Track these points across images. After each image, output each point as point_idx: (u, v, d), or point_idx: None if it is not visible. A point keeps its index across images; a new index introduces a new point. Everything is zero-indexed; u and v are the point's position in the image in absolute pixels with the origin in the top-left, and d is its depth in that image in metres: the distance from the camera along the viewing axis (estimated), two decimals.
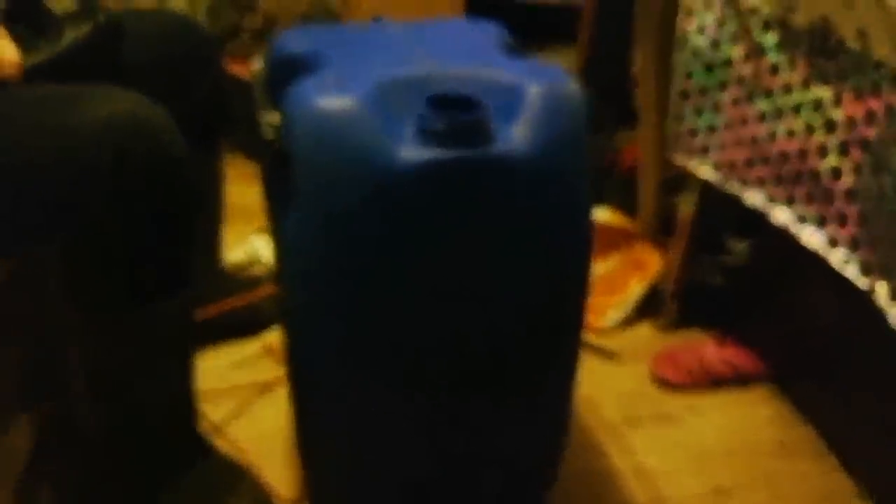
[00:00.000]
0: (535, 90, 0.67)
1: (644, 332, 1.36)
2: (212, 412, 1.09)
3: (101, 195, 0.69)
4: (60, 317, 0.77)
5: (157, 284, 0.76)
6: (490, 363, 0.73)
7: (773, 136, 1.00)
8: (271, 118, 0.66)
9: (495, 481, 0.83)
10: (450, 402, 0.74)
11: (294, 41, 0.78)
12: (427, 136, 0.63)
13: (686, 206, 1.28)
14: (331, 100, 0.64)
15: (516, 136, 0.65)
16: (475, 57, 0.75)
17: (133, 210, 0.71)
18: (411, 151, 0.62)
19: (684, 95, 1.14)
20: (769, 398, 1.22)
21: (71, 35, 0.91)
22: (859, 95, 0.86)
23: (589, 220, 0.73)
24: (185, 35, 1.09)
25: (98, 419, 0.84)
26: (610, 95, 1.56)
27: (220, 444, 1.01)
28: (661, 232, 1.41)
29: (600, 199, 1.60)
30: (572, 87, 0.69)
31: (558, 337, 0.77)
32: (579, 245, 0.72)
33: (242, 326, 1.27)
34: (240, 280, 1.35)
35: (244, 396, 1.17)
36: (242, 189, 1.30)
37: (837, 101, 0.90)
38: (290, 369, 0.81)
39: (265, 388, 1.18)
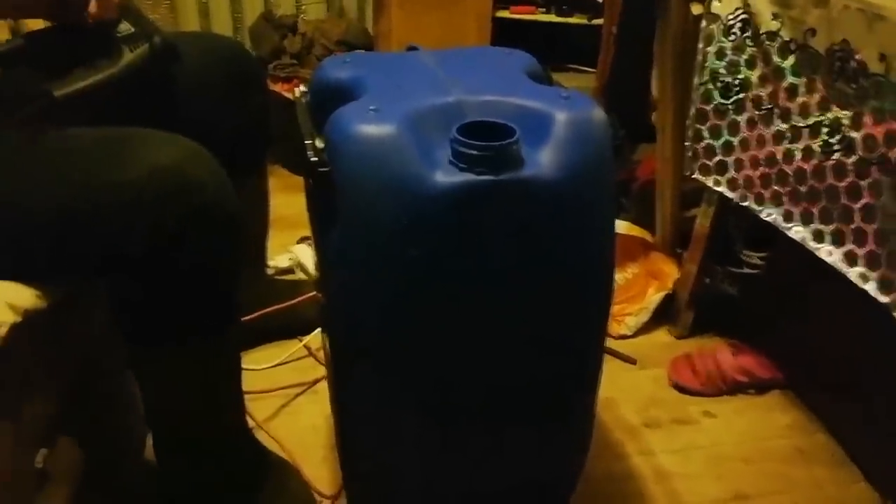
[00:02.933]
0: (563, 117, 0.65)
1: (661, 338, 1.33)
2: (256, 410, 1.08)
3: (143, 248, 0.67)
4: (108, 348, 0.76)
5: (201, 323, 0.74)
6: (518, 382, 0.71)
7: (790, 155, 0.97)
8: (316, 142, 0.65)
9: (520, 494, 0.81)
10: (480, 421, 0.72)
11: (335, 69, 0.77)
12: (460, 161, 0.61)
13: (703, 219, 1.25)
14: (370, 127, 0.62)
15: (544, 160, 0.63)
16: (505, 84, 0.73)
17: (175, 261, 0.69)
18: (445, 175, 0.61)
19: (702, 116, 1.10)
20: (786, 405, 1.18)
21: (129, 55, 0.91)
22: (881, 118, 0.82)
23: (612, 243, 0.71)
24: (234, 58, 1.08)
25: (159, 453, 0.84)
26: (629, 112, 1.53)
27: (265, 442, 1.00)
28: (677, 243, 1.38)
29: (619, 212, 1.57)
30: (598, 114, 0.67)
31: (583, 356, 0.74)
32: (602, 265, 0.70)
33: (285, 329, 1.26)
34: (283, 285, 1.34)
35: (286, 396, 1.16)
36: (286, 199, 1.30)
37: (857, 123, 0.86)
38: (329, 376, 0.80)
39: (307, 388, 1.17)
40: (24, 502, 0.67)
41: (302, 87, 0.82)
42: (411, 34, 1.87)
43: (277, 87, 1.80)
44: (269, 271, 1.43)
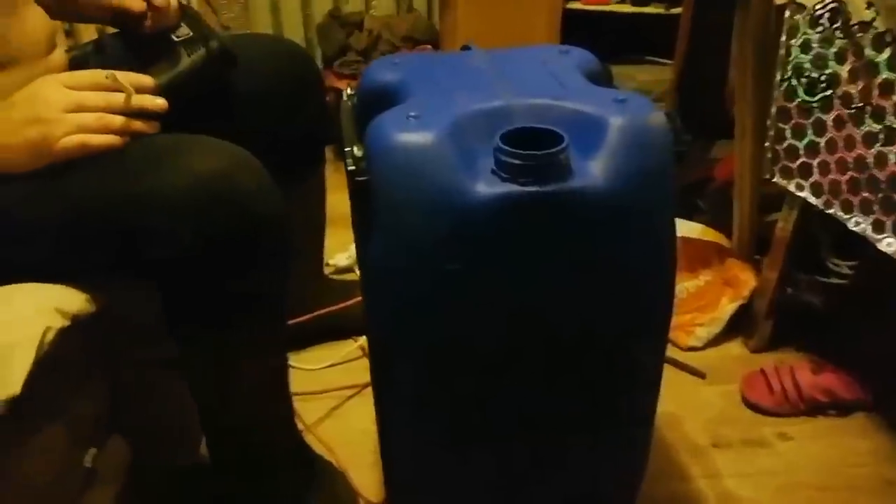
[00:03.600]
0: (618, 122, 0.60)
1: (735, 351, 1.24)
2: (305, 413, 1.08)
3: (187, 255, 0.66)
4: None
5: (247, 328, 0.74)
6: (569, 402, 0.67)
7: (882, 160, 0.87)
8: (355, 150, 0.63)
9: None
10: (527, 441, 0.69)
11: (381, 72, 0.75)
12: (503, 170, 0.57)
13: (784, 223, 1.15)
14: (409, 135, 0.59)
15: (595, 170, 0.58)
16: (559, 87, 0.68)
17: (221, 269, 0.68)
18: (487, 186, 0.57)
19: (784, 114, 1.02)
20: (872, 430, 1.08)
21: (187, 59, 0.92)
22: None
23: (672, 258, 0.65)
24: (292, 61, 1.07)
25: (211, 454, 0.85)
26: (705, 106, 1.44)
27: (312, 445, 1.00)
28: (755, 249, 1.29)
29: (694, 213, 1.49)
30: (657, 118, 0.61)
31: (637, 374, 0.69)
32: (660, 282, 0.65)
33: (339, 329, 1.26)
34: (340, 285, 1.34)
35: (337, 398, 1.16)
36: (346, 197, 1.29)
37: None
38: (373, 382, 0.78)
39: (358, 391, 1.16)
40: (72, 501, 0.68)
41: (349, 90, 0.80)
42: (478, 29, 1.83)
43: (342, 85, 1.80)
44: (328, 270, 1.44)
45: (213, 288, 0.70)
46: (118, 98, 0.69)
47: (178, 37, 0.91)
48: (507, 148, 0.57)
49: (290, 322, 1.17)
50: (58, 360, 0.63)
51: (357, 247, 0.75)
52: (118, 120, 0.68)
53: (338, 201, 1.29)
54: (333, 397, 1.15)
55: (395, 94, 0.70)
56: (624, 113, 0.61)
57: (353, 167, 0.61)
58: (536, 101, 0.64)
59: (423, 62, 0.79)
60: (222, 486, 0.87)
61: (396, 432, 0.74)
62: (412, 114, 0.61)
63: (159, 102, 0.72)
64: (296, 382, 1.16)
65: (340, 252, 1.48)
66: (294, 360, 1.22)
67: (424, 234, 0.59)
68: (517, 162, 0.56)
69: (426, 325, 0.64)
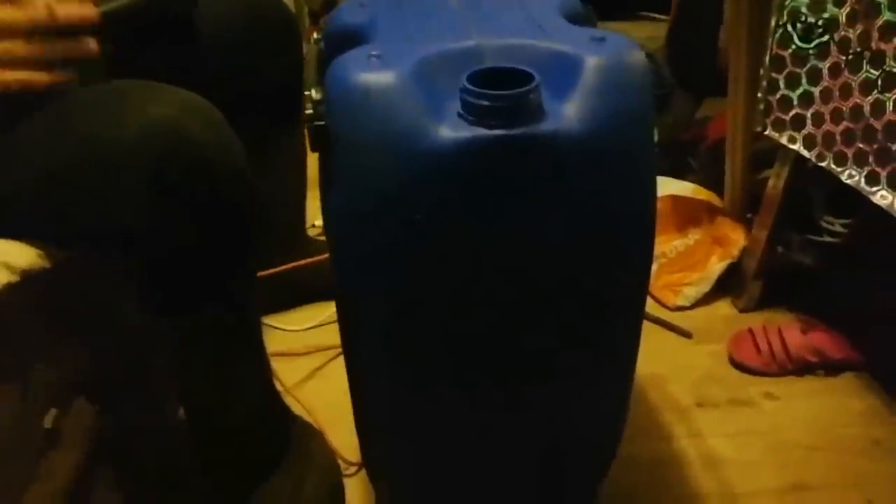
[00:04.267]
0: (594, 62, 0.56)
1: (723, 311, 1.22)
2: (286, 374, 1.06)
3: (142, 208, 0.62)
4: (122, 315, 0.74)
5: (215, 288, 0.71)
6: (543, 347, 0.64)
7: (879, 108, 0.83)
8: (313, 93, 0.58)
9: (549, 465, 0.75)
10: (502, 386, 0.66)
11: (348, 14, 0.70)
12: (470, 113, 0.53)
13: (776, 181, 1.11)
14: (369, 75, 0.55)
15: (569, 112, 0.54)
16: (535, 27, 0.64)
17: (178, 222, 0.64)
18: (452, 130, 0.53)
19: (778, 63, 0.97)
20: (861, 390, 1.05)
21: None
22: None
23: (652, 203, 0.62)
24: (265, 9, 1.02)
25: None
26: (698, 62, 1.39)
27: (293, 404, 0.98)
28: (748, 208, 1.25)
29: (685, 172, 1.45)
30: (637, 57, 0.57)
31: (616, 321, 0.66)
32: (639, 228, 0.61)
33: (322, 289, 1.23)
34: (324, 245, 1.31)
35: (320, 359, 1.13)
36: None
37: None
38: (341, 332, 0.75)
39: (340, 352, 1.14)
40: (31, 460, 0.66)
41: (316, 34, 0.76)
42: None
43: None
44: (314, 231, 1.40)
45: (171, 245, 0.67)
46: (39, 13, 0.58)
47: None
48: (473, 88, 0.53)
49: (260, 275, 1.15)
50: (7, 317, 0.60)
51: (321, 198, 0.71)
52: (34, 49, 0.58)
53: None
54: (315, 358, 1.13)
55: (362, 36, 0.66)
56: (601, 52, 0.56)
57: (310, 111, 0.57)
58: (508, 41, 0.59)
59: (393, 3, 0.74)
60: (195, 451, 0.85)
61: (366, 381, 0.72)
62: (374, 53, 0.57)
63: (88, 12, 0.61)
64: (278, 343, 1.15)
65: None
66: (276, 321, 1.20)
67: (386, 181, 0.55)
68: (484, 103, 0.52)
69: (392, 274, 0.60)
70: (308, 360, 1.13)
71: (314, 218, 1.39)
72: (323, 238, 1.36)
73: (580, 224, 0.58)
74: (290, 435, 0.90)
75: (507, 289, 0.61)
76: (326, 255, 1.22)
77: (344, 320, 0.71)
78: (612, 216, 0.59)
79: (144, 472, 0.83)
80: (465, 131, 0.53)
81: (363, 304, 0.64)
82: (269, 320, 1.19)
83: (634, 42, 0.60)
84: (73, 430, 0.71)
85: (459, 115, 0.54)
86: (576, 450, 0.76)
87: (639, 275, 0.65)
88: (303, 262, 1.17)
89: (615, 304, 0.65)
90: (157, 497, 0.85)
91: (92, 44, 0.61)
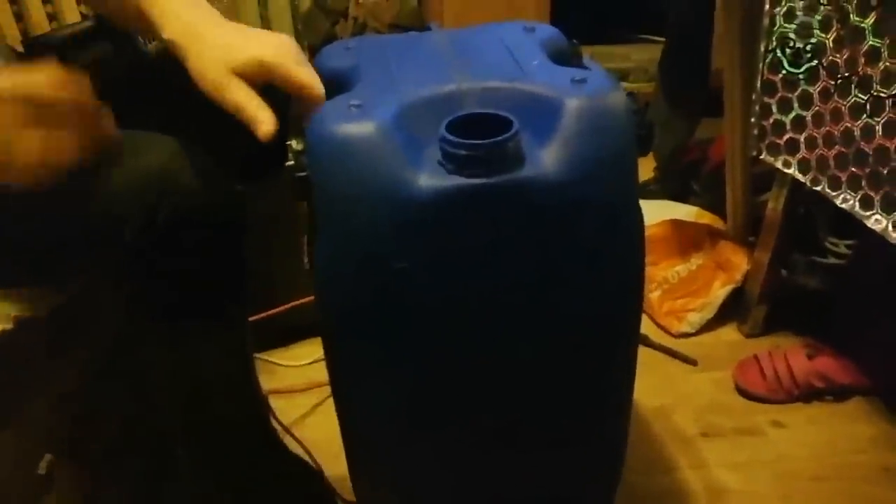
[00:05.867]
0: (573, 105, 0.57)
1: (728, 337, 1.22)
2: (286, 410, 1.07)
3: (133, 256, 0.65)
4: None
5: (205, 326, 0.72)
6: (531, 397, 0.65)
7: (869, 132, 0.84)
8: (294, 144, 0.60)
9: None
10: (489, 437, 0.67)
11: (332, 58, 0.72)
12: (449, 162, 0.55)
13: (775, 203, 1.12)
14: (348, 126, 0.57)
15: (548, 157, 0.56)
16: (516, 68, 0.66)
17: (169, 269, 0.67)
18: (430, 179, 0.55)
19: (770, 88, 0.98)
20: (870, 415, 1.05)
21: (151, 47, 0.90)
22: None
23: (639, 248, 0.63)
24: None
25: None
26: (691, 84, 1.41)
27: (292, 442, 0.99)
28: (751, 231, 1.26)
29: (687, 195, 1.46)
30: (618, 98, 0.58)
31: (609, 366, 0.67)
32: (626, 273, 0.62)
33: (316, 326, 1.24)
34: None
35: (319, 395, 1.14)
36: None
37: None
38: (330, 379, 0.76)
39: None
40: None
41: None
42: (464, 12, 1.80)
43: None
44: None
45: (166, 283, 0.69)
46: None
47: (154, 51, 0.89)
48: (451, 138, 0.54)
49: (260, 316, 1.17)
50: (4, 356, 0.62)
51: (308, 245, 0.73)
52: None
53: None
54: (314, 394, 1.14)
55: (345, 81, 0.68)
56: (580, 94, 0.58)
57: (291, 162, 0.59)
58: (489, 85, 0.61)
59: (378, 45, 0.76)
60: (195, 491, 0.86)
61: (353, 423, 0.73)
62: (354, 103, 0.59)
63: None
64: (278, 380, 1.17)
65: None
66: (275, 357, 1.22)
67: (367, 231, 0.57)
68: (462, 152, 0.54)
69: (376, 324, 0.62)
70: (307, 396, 1.14)
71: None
72: None
73: (563, 269, 0.59)
74: (291, 467, 0.92)
75: (493, 334, 0.62)
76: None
77: (330, 363, 0.72)
78: (596, 263, 0.60)
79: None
80: (445, 180, 0.55)
81: (346, 350, 0.65)
82: (268, 356, 1.21)
83: (617, 82, 0.62)
84: (67, 482, 0.73)
85: (439, 164, 0.56)
86: (573, 494, 0.76)
87: (629, 318, 0.66)
88: (301, 301, 1.19)
89: (605, 349, 0.66)
90: None
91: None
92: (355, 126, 0.57)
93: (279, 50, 0.61)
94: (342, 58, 0.72)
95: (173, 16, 0.60)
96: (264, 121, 0.58)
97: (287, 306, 1.17)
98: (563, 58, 0.72)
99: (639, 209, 0.63)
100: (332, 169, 0.57)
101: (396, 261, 0.57)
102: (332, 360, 0.71)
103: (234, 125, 1.01)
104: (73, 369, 0.76)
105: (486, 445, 0.69)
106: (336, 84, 0.68)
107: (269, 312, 1.14)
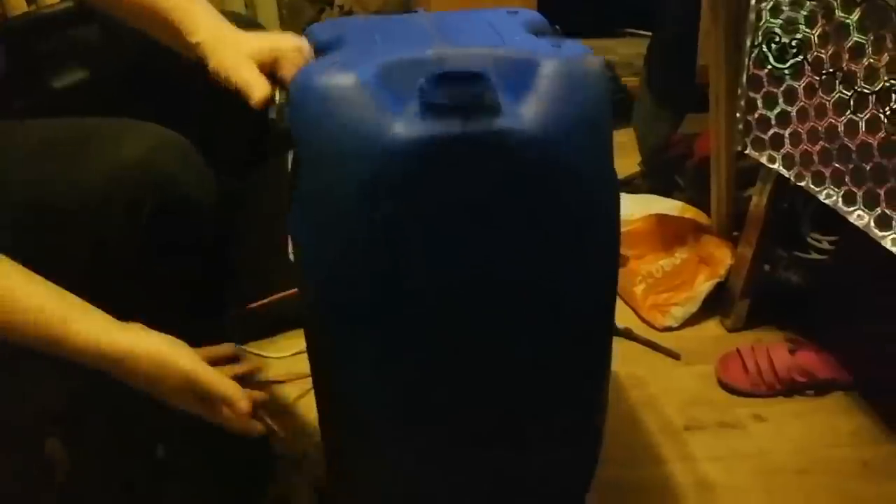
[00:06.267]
0: (550, 65, 0.58)
1: (711, 331, 1.22)
2: (272, 399, 1.07)
3: (119, 241, 0.66)
4: None
5: (182, 316, 0.72)
6: (509, 351, 0.65)
7: (853, 128, 0.85)
8: (276, 96, 0.61)
9: (526, 496, 0.75)
10: (463, 410, 0.67)
11: (320, 32, 0.72)
12: (428, 110, 0.55)
13: (759, 198, 1.13)
14: (329, 78, 0.57)
15: (525, 112, 0.56)
16: (496, 39, 0.66)
17: (153, 253, 0.67)
18: (409, 127, 0.55)
19: (755, 83, 0.99)
20: (850, 409, 1.06)
21: (132, 45, 0.89)
22: None
23: (613, 209, 0.63)
24: None
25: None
26: (677, 79, 1.42)
27: (279, 432, 0.98)
28: (734, 226, 1.26)
29: (672, 190, 1.46)
30: (592, 61, 0.60)
31: (583, 327, 0.67)
32: (598, 234, 0.62)
33: (299, 318, 1.24)
34: None
35: (302, 386, 1.14)
36: None
37: None
38: (310, 358, 0.76)
39: None
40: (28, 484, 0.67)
41: None
42: (451, 4, 1.79)
43: None
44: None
45: (145, 275, 0.68)
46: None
47: None
48: (427, 88, 0.55)
49: (244, 309, 1.16)
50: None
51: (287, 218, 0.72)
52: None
53: None
54: (297, 385, 1.14)
55: (330, 50, 0.68)
56: (557, 56, 0.59)
57: (273, 116, 0.60)
58: (468, 50, 0.62)
59: (365, 24, 0.76)
60: (177, 483, 0.85)
61: (335, 409, 0.72)
62: (336, 60, 0.59)
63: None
64: (263, 371, 1.16)
65: None
66: (258, 348, 1.21)
67: (346, 180, 0.57)
68: (440, 101, 0.55)
69: (356, 277, 0.61)
70: (291, 387, 1.13)
71: None
72: None
73: (538, 222, 0.60)
74: (273, 456, 0.91)
75: (473, 287, 0.62)
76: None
77: (313, 351, 0.71)
78: (570, 212, 0.60)
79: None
80: (421, 129, 0.55)
81: (330, 317, 0.64)
82: (251, 348, 1.20)
83: (591, 49, 0.63)
84: (42, 471, 0.72)
85: (418, 116, 0.56)
86: (549, 481, 0.76)
87: (604, 276, 0.66)
88: (285, 294, 1.18)
89: (581, 306, 0.65)
90: None
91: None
92: (336, 78, 0.58)
93: (293, 42, 0.67)
94: (327, 31, 0.72)
95: (203, 25, 0.68)
96: (261, 88, 0.62)
97: (274, 298, 1.16)
98: (543, 34, 0.72)
99: (613, 173, 0.63)
100: (314, 118, 0.58)
101: (375, 210, 0.57)
102: (316, 345, 0.70)
103: (227, 115, 1.00)
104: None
105: (477, 438, 0.69)
106: (321, 52, 0.68)
107: (255, 304, 1.13)
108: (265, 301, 1.15)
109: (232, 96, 0.93)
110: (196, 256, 0.71)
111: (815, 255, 1.21)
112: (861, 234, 0.90)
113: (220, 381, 0.63)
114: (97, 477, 0.79)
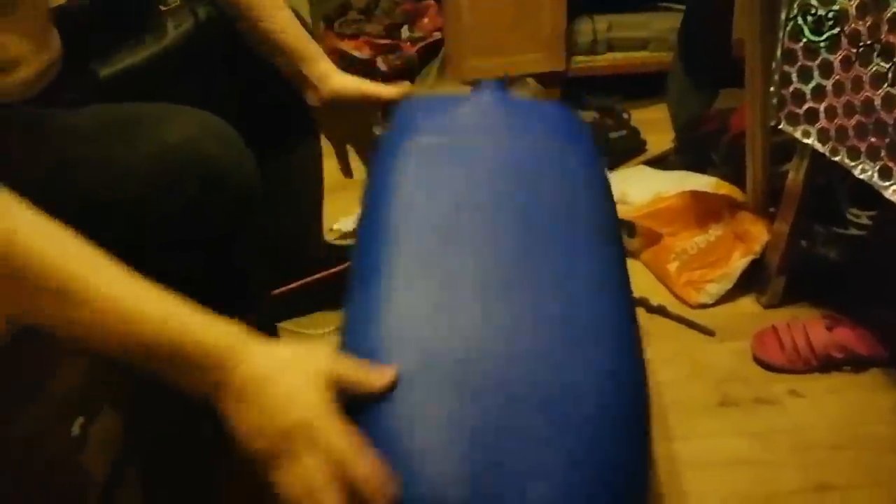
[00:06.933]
0: None
1: (746, 308, 1.22)
2: None
3: (164, 221, 0.68)
4: None
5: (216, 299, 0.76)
6: None
7: (890, 102, 0.83)
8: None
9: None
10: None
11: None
12: None
13: (795, 174, 1.12)
14: None
15: None
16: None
17: (195, 232, 0.70)
18: None
19: (790, 56, 0.98)
20: (889, 386, 1.05)
21: (173, 33, 0.92)
22: None
23: None
24: None
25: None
26: (712, 53, 1.40)
27: None
28: (771, 202, 1.25)
29: (706, 166, 1.45)
30: None
31: None
32: None
33: (338, 297, 1.27)
34: (343, 250, 1.35)
35: None
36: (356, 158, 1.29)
37: None
38: None
39: None
40: (58, 467, 0.72)
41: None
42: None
43: (343, 45, 1.79)
44: (332, 235, 1.45)
45: (183, 257, 0.71)
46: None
47: (165, 5, 0.91)
48: None
49: (281, 290, 1.20)
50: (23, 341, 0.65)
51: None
52: None
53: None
54: None
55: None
56: None
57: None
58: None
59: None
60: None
61: None
62: None
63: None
64: None
65: (345, 216, 1.49)
66: (297, 325, 1.25)
67: None
68: None
69: None
70: None
71: (332, 222, 1.44)
72: (339, 242, 1.41)
73: None
74: None
75: None
76: (347, 264, 1.28)
77: None
78: None
79: (172, 481, 0.88)
80: None
81: None
82: (289, 325, 1.23)
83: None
84: (100, 437, 0.76)
85: None
86: None
87: None
88: (324, 273, 1.22)
89: None
90: (204, 493, 0.90)
91: None
92: None
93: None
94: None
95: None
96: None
97: (312, 279, 1.20)
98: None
99: None
100: None
101: None
102: None
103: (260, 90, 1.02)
104: None
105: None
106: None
107: (293, 285, 1.16)
108: (287, 288, 1.18)
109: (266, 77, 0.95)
110: (238, 243, 0.74)
111: (853, 231, 1.19)
112: None
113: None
114: (142, 456, 0.82)
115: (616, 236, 0.71)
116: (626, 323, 0.61)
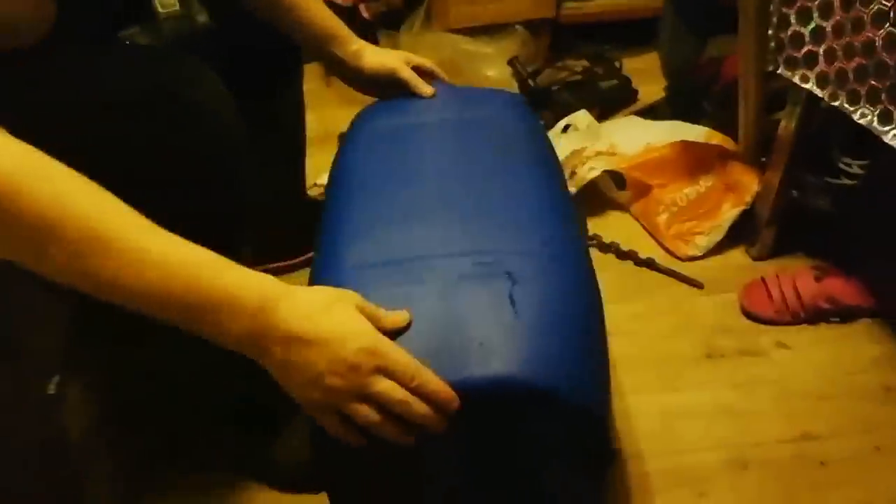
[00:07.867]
0: None
1: (736, 260, 1.21)
2: None
3: (137, 164, 0.66)
4: None
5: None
6: None
7: (892, 42, 0.80)
8: None
9: None
10: None
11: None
12: None
13: (787, 122, 1.09)
14: None
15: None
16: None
17: (168, 180, 0.67)
18: None
19: None
20: (875, 336, 1.05)
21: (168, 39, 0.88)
22: None
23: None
24: None
25: None
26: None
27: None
28: (762, 151, 1.23)
29: (698, 116, 1.42)
30: None
31: None
32: None
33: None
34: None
35: None
36: (343, 113, 1.24)
37: None
38: None
39: None
40: (37, 424, 0.70)
41: None
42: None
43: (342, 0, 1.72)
44: (314, 191, 1.41)
45: (166, 202, 0.69)
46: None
47: (163, 7, 0.86)
48: None
49: (281, 264, 1.18)
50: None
51: None
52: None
53: (327, 118, 1.24)
54: None
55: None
56: None
57: None
58: None
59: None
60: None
61: None
62: None
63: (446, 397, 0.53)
64: None
65: (327, 172, 1.45)
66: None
67: None
68: None
69: None
70: None
71: (315, 177, 1.40)
72: (321, 198, 1.37)
73: None
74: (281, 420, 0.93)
75: None
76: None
77: None
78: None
79: (164, 426, 0.87)
80: None
81: None
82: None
83: None
84: (78, 396, 0.74)
85: None
86: None
87: None
88: (293, 261, 1.21)
89: None
90: (175, 453, 0.89)
91: (440, 423, 0.53)
92: None
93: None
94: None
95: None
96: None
97: (280, 265, 1.18)
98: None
99: None
100: None
101: None
102: None
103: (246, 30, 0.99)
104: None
105: None
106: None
107: (286, 263, 1.17)
108: (272, 266, 1.17)
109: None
110: (233, 189, 0.73)
111: (845, 181, 1.17)
112: (893, 158, 0.87)
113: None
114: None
115: (556, 170, 0.80)
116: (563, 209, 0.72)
